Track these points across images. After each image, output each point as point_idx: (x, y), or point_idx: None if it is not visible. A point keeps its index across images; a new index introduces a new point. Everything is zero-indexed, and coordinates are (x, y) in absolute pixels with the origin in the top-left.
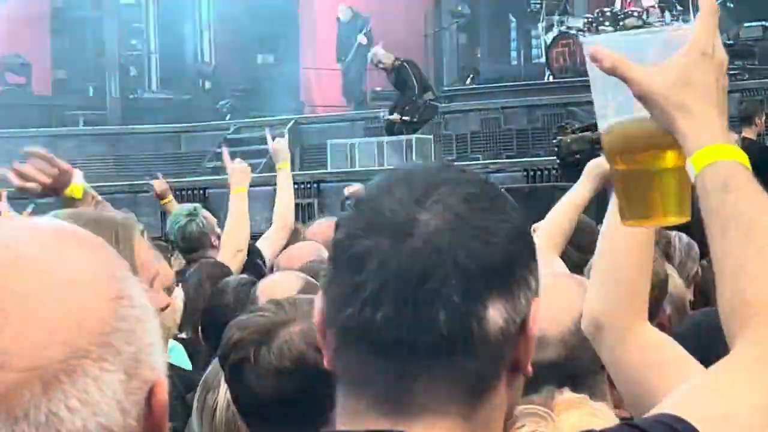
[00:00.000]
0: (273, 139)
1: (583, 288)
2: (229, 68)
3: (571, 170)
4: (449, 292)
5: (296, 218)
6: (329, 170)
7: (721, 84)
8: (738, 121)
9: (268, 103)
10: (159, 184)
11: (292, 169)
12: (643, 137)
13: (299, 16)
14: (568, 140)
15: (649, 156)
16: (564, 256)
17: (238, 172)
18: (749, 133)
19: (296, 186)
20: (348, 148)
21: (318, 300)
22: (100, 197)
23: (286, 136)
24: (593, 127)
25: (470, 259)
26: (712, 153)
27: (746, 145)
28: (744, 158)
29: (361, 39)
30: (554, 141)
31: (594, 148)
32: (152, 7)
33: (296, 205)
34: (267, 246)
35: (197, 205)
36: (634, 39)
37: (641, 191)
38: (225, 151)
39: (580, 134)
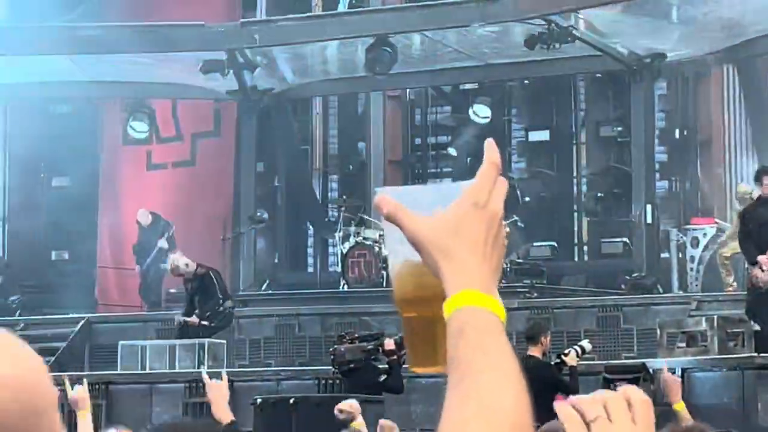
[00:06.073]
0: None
1: None
2: (21, 263)
3: (347, 379)
4: None
5: None
6: (119, 371)
7: (492, 234)
8: (524, 339)
9: (61, 300)
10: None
11: (82, 370)
12: (423, 286)
13: (99, 214)
14: (342, 349)
15: (430, 304)
16: None
17: (81, 399)
18: (535, 351)
19: None
20: (140, 350)
21: None
22: None
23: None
24: (370, 337)
25: None
26: (462, 299)
27: (531, 364)
28: (495, 305)
29: (162, 243)
30: (331, 350)
31: (368, 359)
32: None
33: None
34: None
35: None
36: (418, 190)
37: (425, 338)
38: (66, 379)
39: (356, 344)
